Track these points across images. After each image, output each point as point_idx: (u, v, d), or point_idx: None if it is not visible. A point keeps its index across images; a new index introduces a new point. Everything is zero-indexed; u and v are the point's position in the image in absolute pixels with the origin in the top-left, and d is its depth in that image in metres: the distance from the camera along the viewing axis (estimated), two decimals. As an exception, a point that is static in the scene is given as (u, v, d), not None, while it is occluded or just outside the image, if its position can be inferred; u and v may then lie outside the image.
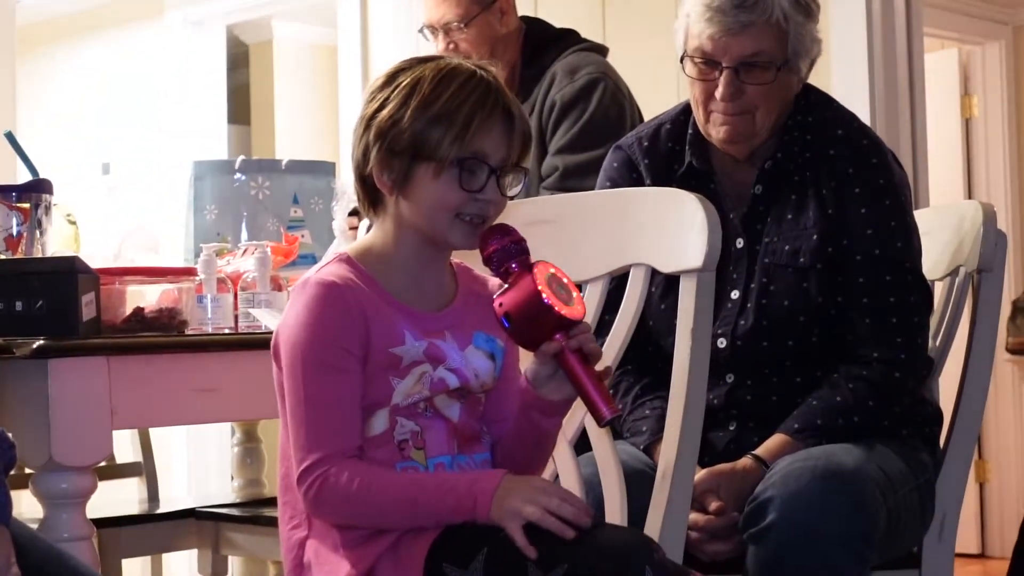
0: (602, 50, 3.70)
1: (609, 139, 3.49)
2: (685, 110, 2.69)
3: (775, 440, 2.48)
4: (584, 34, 3.77)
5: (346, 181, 3.55)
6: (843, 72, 4.33)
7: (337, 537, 1.95)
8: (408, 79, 1.97)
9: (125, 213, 5.67)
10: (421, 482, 1.90)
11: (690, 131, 2.65)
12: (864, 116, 4.19)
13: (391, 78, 2.00)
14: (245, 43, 7.09)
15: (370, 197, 2.01)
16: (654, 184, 2.64)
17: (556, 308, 1.89)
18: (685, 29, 2.57)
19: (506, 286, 1.94)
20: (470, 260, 2.09)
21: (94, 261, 2.51)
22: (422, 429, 1.97)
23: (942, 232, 2.77)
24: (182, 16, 6.22)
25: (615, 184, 2.69)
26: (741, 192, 2.63)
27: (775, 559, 2.28)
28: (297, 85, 7.01)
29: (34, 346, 2.23)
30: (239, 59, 6.95)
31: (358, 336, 1.94)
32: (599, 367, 1.96)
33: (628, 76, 3.69)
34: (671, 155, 2.67)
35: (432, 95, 1.94)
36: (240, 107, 6.97)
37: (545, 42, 3.66)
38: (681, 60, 2.59)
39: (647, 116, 3.67)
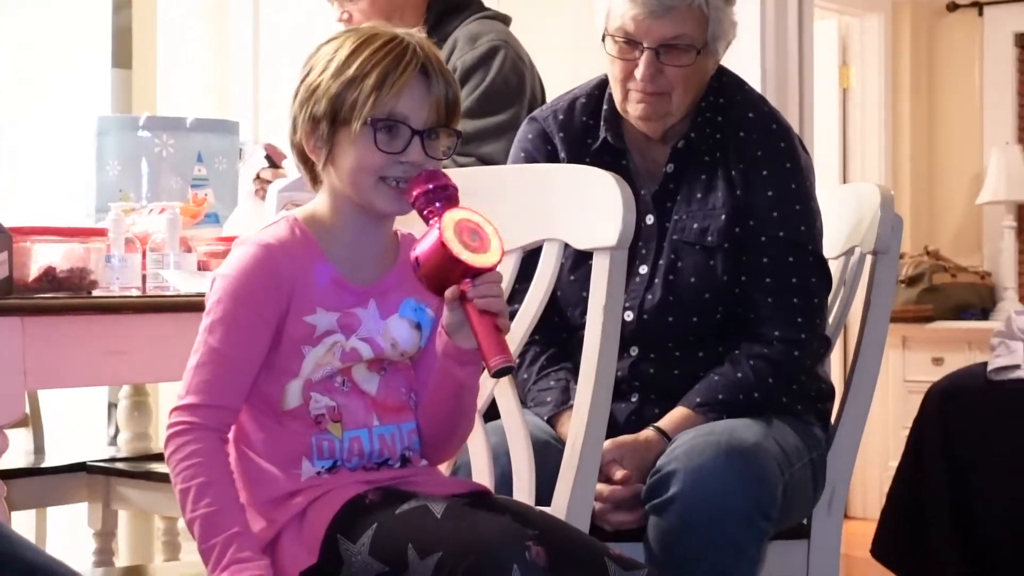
0: (505, 19, 3.73)
1: (508, 106, 3.53)
2: (600, 85, 2.73)
3: (677, 413, 2.55)
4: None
5: (250, 141, 3.56)
6: (736, 40, 4.40)
7: (250, 495, 1.99)
8: (330, 46, 2.02)
9: (16, 162, 5.57)
10: (214, 516, 1.91)
11: (605, 107, 2.70)
12: (755, 85, 4.27)
13: (318, 48, 2.04)
14: (128, -15, 6.96)
15: (308, 167, 2.05)
16: (568, 157, 2.68)
17: (456, 255, 1.89)
18: (607, 8, 2.61)
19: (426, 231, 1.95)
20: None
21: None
22: (338, 404, 2.01)
23: (840, 212, 2.84)
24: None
25: (529, 155, 2.73)
26: (653, 170, 2.69)
27: (677, 530, 2.34)
28: (182, 29, 6.90)
29: (-52, 306, 2.22)
30: (122, 1, 6.82)
31: (277, 305, 1.97)
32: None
33: (528, 45, 3.72)
34: (585, 129, 2.72)
35: (348, 60, 1.97)
36: (122, 50, 6.84)
37: (448, 10, 3.68)
38: (602, 38, 2.63)
39: (548, 84, 3.72)
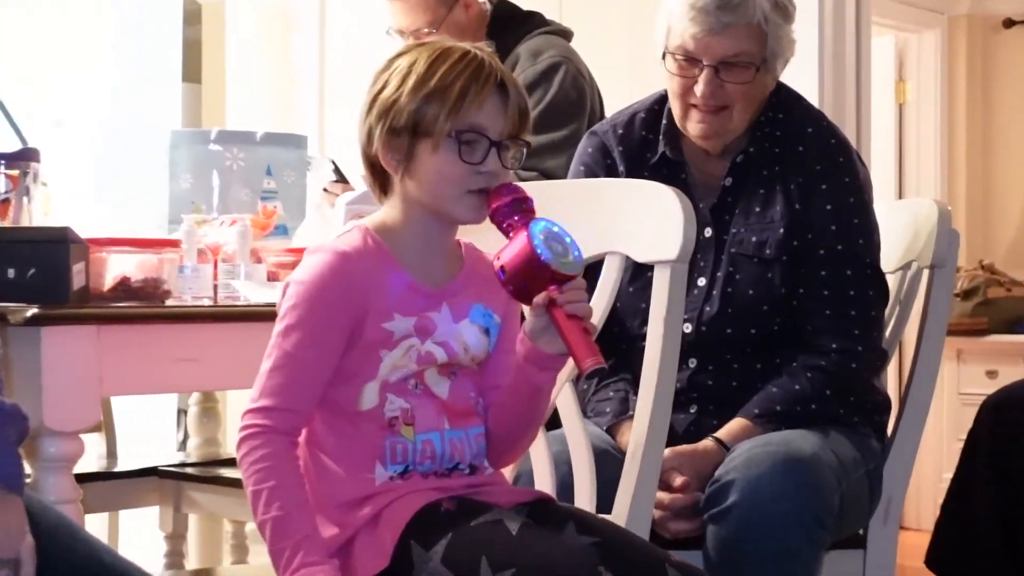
0: (566, 34, 3.75)
1: (569, 121, 3.55)
2: (659, 100, 2.74)
3: (735, 424, 2.54)
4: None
5: (317, 154, 3.59)
6: (794, 57, 4.40)
7: (321, 498, 2.00)
8: (404, 61, 2.02)
9: (90, 173, 5.63)
10: (285, 520, 1.92)
11: (664, 121, 2.70)
12: (813, 100, 4.26)
13: (390, 62, 2.05)
14: (198, 2, 7.03)
15: (378, 178, 2.06)
16: (627, 171, 2.69)
17: (546, 263, 1.91)
18: (667, 26, 2.62)
19: (507, 241, 1.97)
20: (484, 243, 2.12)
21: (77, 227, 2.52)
22: (412, 406, 2.01)
23: (897, 227, 2.84)
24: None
25: (589, 168, 2.74)
26: (711, 183, 2.69)
27: (735, 539, 2.34)
28: (249, 46, 6.96)
29: (28, 314, 2.23)
30: (191, 17, 6.89)
31: (352, 312, 1.98)
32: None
33: (588, 60, 3.73)
34: (644, 144, 2.72)
35: (427, 73, 1.98)
36: (191, 65, 6.90)
37: (510, 24, 3.70)
38: (662, 56, 2.63)
39: (605, 98, 3.74)
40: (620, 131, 2.74)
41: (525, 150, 2.06)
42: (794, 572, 2.35)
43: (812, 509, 2.36)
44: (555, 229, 1.96)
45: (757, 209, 2.64)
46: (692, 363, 2.62)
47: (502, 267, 1.95)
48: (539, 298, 1.96)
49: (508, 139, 2.01)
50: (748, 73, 2.59)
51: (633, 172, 2.68)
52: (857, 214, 2.62)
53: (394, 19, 3.66)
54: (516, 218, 1.96)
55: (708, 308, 2.62)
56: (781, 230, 2.60)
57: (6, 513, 1.69)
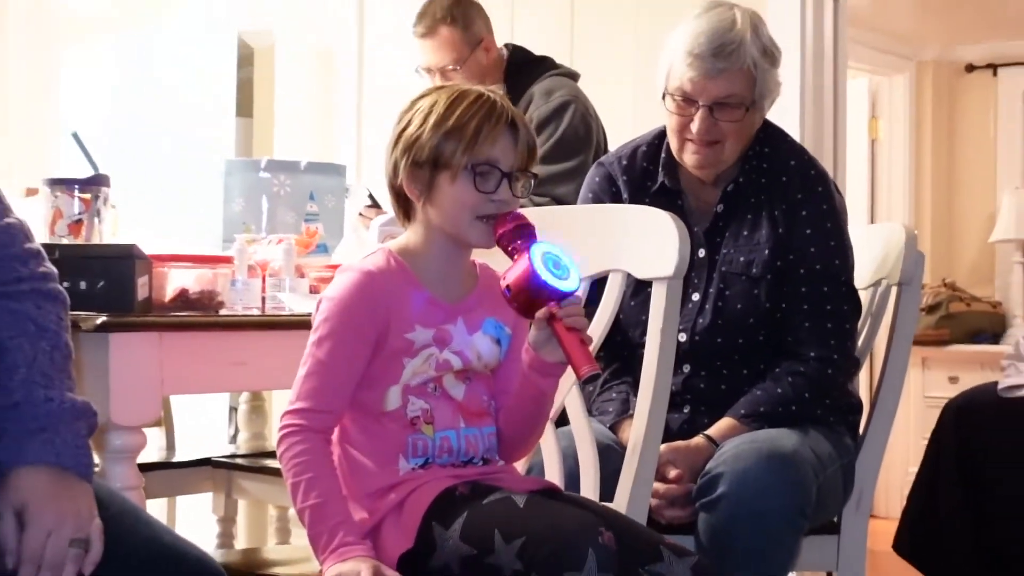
0: (574, 75, 3.76)
1: (577, 153, 3.57)
2: (659, 135, 2.74)
3: (724, 423, 2.54)
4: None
5: (355, 182, 3.59)
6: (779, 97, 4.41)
7: (353, 488, 2.00)
8: (426, 102, 2.03)
9: (153, 196, 5.64)
10: (322, 507, 1.93)
11: (663, 155, 2.70)
12: (795, 135, 4.26)
13: (413, 103, 2.06)
14: (251, 46, 7.04)
15: (403, 205, 2.07)
16: (630, 197, 2.69)
17: (546, 281, 1.92)
18: (667, 70, 2.62)
19: (512, 263, 1.98)
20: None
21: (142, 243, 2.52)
22: (431, 407, 2.02)
23: (870, 249, 2.82)
24: (197, 20, 6.20)
25: (596, 195, 2.74)
26: (705, 209, 2.69)
27: (723, 526, 2.33)
28: (295, 85, 6.98)
29: (98, 321, 2.24)
30: (245, 59, 6.91)
31: (377, 325, 1.99)
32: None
33: (591, 96, 3.74)
34: (645, 174, 2.72)
35: (446, 113, 1.99)
36: (244, 102, 6.92)
37: (525, 68, 3.73)
38: (663, 96, 2.64)
39: (609, 133, 3.74)
40: (624, 162, 2.74)
41: (533, 180, 2.06)
42: (776, 555, 2.34)
43: (793, 500, 2.35)
44: (553, 250, 1.96)
45: (745, 233, 2.63)
46: (686, 369, 2.62)
47: (507, 286, 1.96)
48: (540, 313, 1.96)
49: (518, 171, 2.02)
50: (739, 112, 2.59)
51: (635, 199, 2.68)
52: (834, 237, 2.62)
53: (424, 57, 3.68)
54: (519, 242, 1.97)
55: (701, 320, 2.62)
56: (767, 251, 2.60)
57: (78, 498, 1.70)
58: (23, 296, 1.75)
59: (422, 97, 2.06)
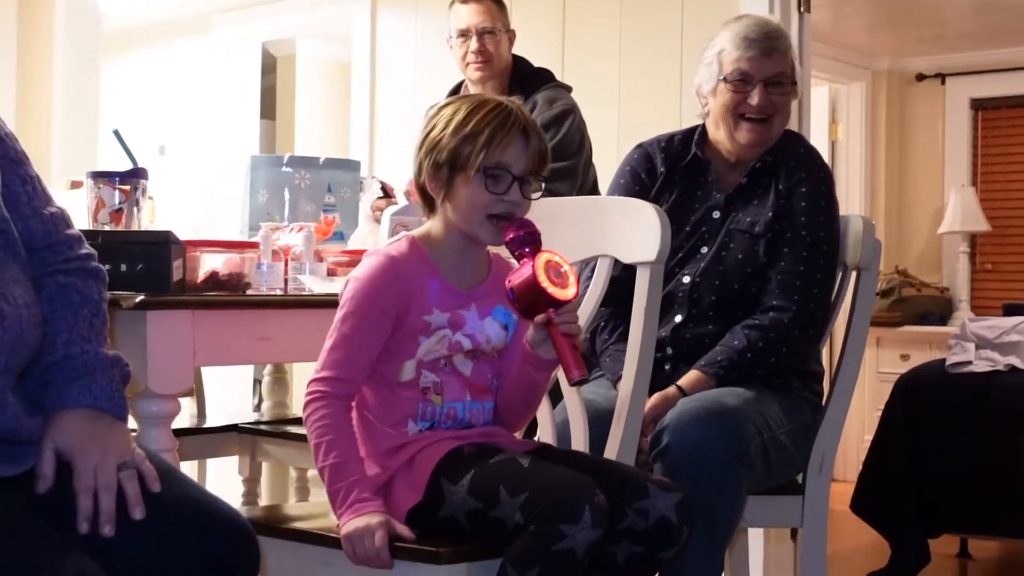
0: (568, 88, 3.77)
1: (572, 156, 3.62)
2: (691, 131, 2.81)
3: (692, 374, 2.57)
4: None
5: (368, 176, 3.57)
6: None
7: (368, 447, 2.01)
8: (450, 109, 2.04)
9: (187, 189, 5.63)
10: (340, 466, 1.93)
11: (696, 137, 2.77)
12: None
13: (439, 109, 2.06)
14: (274, 55, 7.03)
15: (426, 200, 2.07)
16: (666, 169, 2.75)
17: (546, 290, 1.93)
18: (719, 60, 2.69)
19: (517, 267, 1.98)
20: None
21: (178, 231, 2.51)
22: (441, 381, 2.02)
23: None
24: (226, 34, 6.18)
25: (633, 169, 2.78)
26: (727, 180, 2.75)
27: (671, 473, 2.32)
28: (314, 91, 6.97)
29: (136, 300, 2.23)
30: (268, 68, 6.90)
31: (397, 305, 1.99)
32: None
33: (581, 106, 3.74)
34: (679, 152, 2.79)
35: (465, 119, 1.99)
36: (268, 106, 6.92)
37: (531, 77, 3.74)
38: (713, 88, 2.70)
39: (595, 142, 3.74)
40: (663, 144, 2.80)
41: (543, 184, 2.06)
42: (721, 498, 2.33)
43: (730, 447, 2.35)
44: (555, 260, 1.96)
45: (755, 201, 2.69)
46: (678, 319, 2.63)
47: (511, 289, 1.96)
48: (539, 317, 1.97)
49: (529, 175, 2.01)
50: (789, 88, 2.69)
51: (670, 170, 2.74)
52: (824, 213, 2.66)
53: (466, 19, 3.67)
54: (527, 249, 1.97)
55: (704, 265, 2.65)
56: (770, 214, 2.65)
57: (116, 434, 1.73)
58: (71, 273, 1.82)
59: (447, 105, 2.06)
